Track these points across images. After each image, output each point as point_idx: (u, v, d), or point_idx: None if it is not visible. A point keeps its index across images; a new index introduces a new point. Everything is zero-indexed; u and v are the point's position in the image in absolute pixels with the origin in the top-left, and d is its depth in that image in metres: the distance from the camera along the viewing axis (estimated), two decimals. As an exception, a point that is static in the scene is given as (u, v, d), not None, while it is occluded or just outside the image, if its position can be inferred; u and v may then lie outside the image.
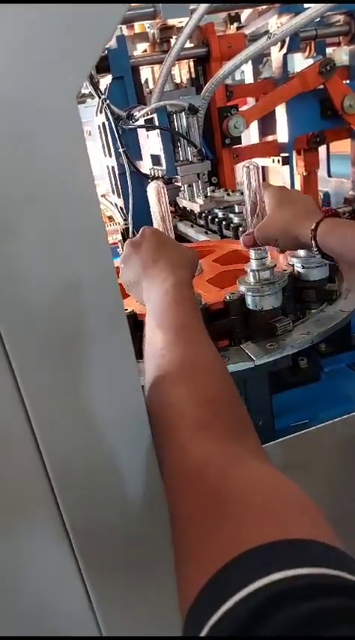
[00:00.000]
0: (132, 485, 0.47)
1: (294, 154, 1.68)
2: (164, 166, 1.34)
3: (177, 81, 1.73)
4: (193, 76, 1.66)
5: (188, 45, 1.47)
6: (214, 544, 0.29)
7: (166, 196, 0.82)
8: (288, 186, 1.67)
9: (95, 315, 0.41)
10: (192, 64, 1.65)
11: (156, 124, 1.31)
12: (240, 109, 1.59)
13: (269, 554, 0.25)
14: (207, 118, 1.50)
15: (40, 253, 0.38)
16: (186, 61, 1.65)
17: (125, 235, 1.41)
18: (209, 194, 1.39)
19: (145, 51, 1.66)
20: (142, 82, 1.63)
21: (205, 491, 0.34)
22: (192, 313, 0.55)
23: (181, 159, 1.37)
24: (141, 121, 1.33)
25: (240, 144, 1.62)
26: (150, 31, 1.56)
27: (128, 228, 1.43)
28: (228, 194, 1.36)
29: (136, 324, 0.75)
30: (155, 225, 0.89)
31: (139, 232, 0.73)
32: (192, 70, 1.65)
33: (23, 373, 0.40)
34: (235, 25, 1.78)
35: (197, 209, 1.37)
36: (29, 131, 0.36)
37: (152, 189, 0.82)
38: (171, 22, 1.49)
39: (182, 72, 1.72)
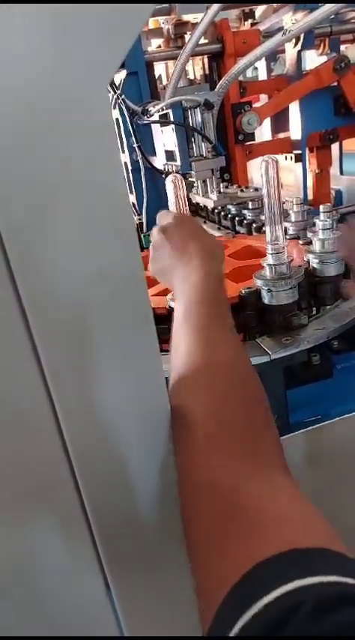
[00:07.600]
0: (151, 476, 0.48)
1: (307, 151, 1.68)
2: (178, 162, 1.34)
3: (191, 77, 1.73)
4: (207, 72, 1.66)
5: (202, 41, 1.47)
6: (231, 555, 0.31)
7: (184, 189, 0.82)
8: (301, 185, 1.67)
9: (121, 307, 0.42)
10: (206, 60, 1.65)
11: (171, 119, 1.31)
12: (253, 106, 1.59)
13: (286, 563, 0.27)
14: (220, 114, 1.50)
15: (69, 245, 0.39)
16: (200, 57, 1.65)
17: (139, 230, 1.42)
18: (222, 190, 1.40)
19: (159, 46, 1.66)
20: (156, 77, 1.64)
21: (217, 508, 0.35)
22: (218, 311, 0.54)
23: (195, 154, 1.38)
24: (156, 117, 1.34)
25: (254, 140, 1.63)
26: (165, 27, 1.57)
27: (141, 223, 1.44)
28: (241, 190, 1.37)
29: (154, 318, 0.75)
30: None
31: (166, 216, 0.70)
32: (207, 66, 1.66)
33: (49, 362, 0.41)
34: (249, 21, 1.78)
35: (210, 205, 1.38)
36: (61, 123, 0.37)
37: (170, 183, 0.82)
38: (185, 17, 1.50)
39: (196, 68, 1.72)
